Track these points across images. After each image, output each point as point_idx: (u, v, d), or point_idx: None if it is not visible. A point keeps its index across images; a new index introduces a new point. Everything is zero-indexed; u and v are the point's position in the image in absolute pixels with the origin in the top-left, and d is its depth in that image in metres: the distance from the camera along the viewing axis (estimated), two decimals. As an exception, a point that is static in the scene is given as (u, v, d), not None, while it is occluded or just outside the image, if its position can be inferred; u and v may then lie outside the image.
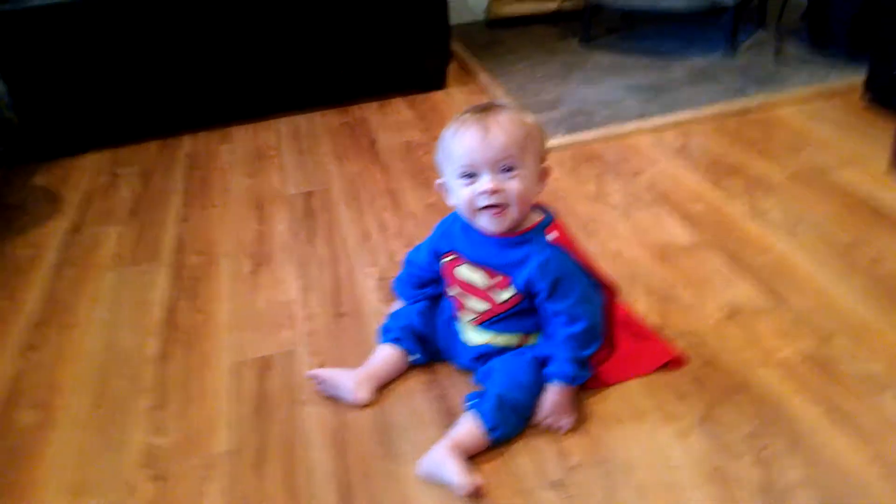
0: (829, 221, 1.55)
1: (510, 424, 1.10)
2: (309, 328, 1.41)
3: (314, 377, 1.24)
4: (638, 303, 1.37)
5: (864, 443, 1.05)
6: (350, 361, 1.31)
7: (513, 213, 1.06)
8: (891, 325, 1.26)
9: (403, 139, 2.13)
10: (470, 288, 1.16)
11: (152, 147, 2.25)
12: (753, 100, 2.10)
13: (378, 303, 1.46)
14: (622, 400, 1.17)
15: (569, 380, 1.10)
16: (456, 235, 1.17)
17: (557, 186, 1.79)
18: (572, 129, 2.05)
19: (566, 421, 1.12)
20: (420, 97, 2.40)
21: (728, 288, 1.39)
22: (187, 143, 2.25)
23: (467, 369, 1.24)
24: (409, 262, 1.31)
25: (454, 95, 2.40)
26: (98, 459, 1.18)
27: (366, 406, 1.21)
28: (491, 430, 1.08)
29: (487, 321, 1.17)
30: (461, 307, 1.19)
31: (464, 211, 1.09)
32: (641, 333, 1.27)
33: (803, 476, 1.01)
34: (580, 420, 1.14)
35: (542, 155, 1.10)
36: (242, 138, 2.25)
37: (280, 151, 2.14)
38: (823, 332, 1.26)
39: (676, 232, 1.58)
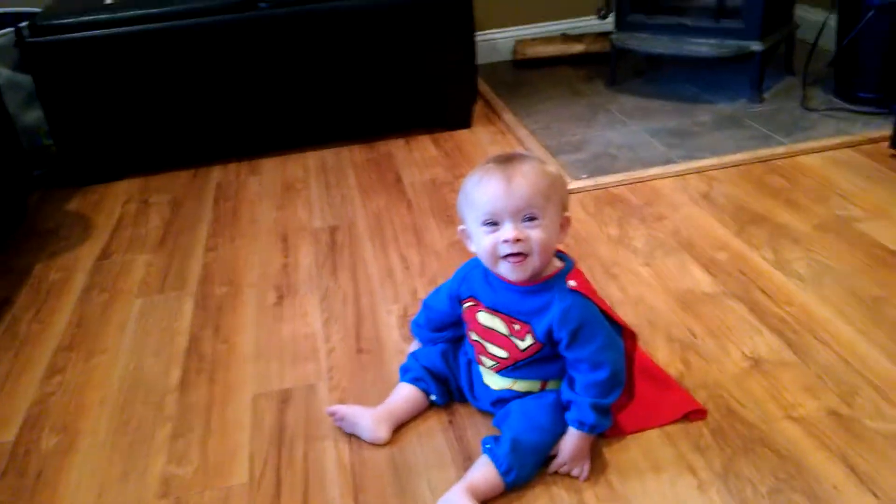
0: (855, 273, 1.55)
1: (526, 467, 1.10)
2: (330, 363, 1.43)
3: (334, 413, 1.24)
4: (659, 350, 1.37)
5: (886, 504, 1.04)
6: (370, 397, 1.32)
7: (534, 262, 1.08)
8: (916, 383, 1.25)
9: (429, 176, 2.16)
10: (490, 335, 1.17)
11: (183, 176, 2.30)
12: (779, 147, 2.11)
13: (399, 340, 1.47)
14: (641, 450, 1.16)
15: (589, 427, 1.10)
16: (476, 281, 1.18)
17: (580, 229, 1.80)
18: (596, 172, 2.06)
19: (584, 468, 1.12)
20: (445, 135, 2.43)
21: (751, 338, 1.38)
22: (217, 173, 2.30)
23: (487, 412, 1.24)
24: (426, 306, 1.32)
25: (479, 134, 2.43)
26: (118, 486, 1.19)
27: (384, 444, 1.21)
28: (505, 473, 1.08)
29: (508, 367, 1.18)
30: (482, 352, 1.20)
31: (485, 259, 1.10)
32: (663, 382, 1.27)
33: (824, 535, 1.01)
34: (599, 469, 1.13)
35: (565, 204, 1.11)
36: (271, 170, 2.29)
37: (307, 185, 2.18)
38: (847, 387, 1.25)
39: (699, 279, 1.58)
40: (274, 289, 1.68)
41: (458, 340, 1.30)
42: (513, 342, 1.15)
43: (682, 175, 2.02)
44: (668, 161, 2.09)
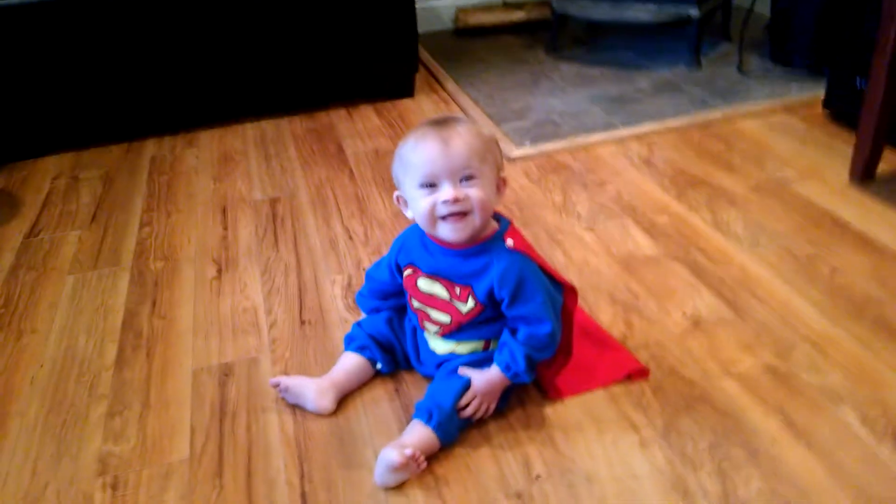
0: (790, 233, 1.58)
1: (452, 422, 1.11)
2: (273, 335, 1.40)
3: (277, 384, 1.22)
4: (602, 313, 1.38)
5: (820, 455, 1.07)
6: (314, 369, 1.30)
7: (474, 221, 1.07)
8: (849, 337, 1.28)
9: (371, 146, 2.13)
10: (431, 300, 1.16)
11: (116, 150, 2.22)
12: (716, 112, 2.13)
13: (344, 310, 1.45)
14: (585, 410, 1.17)
15: (513, 373, 1.11)
16: (413, 249, 1.17)
17: (524, 196, 1.80)
18: (539, 139, 2.06)
19: (490, 407, 1.14)
20: (388, 104, 2.39)
21: (691, 299, 1.41)
22: (152, 147, 2.22)
23: (433, 378, 1.23)
24: (369, 277, 1.30)
25: (422, 103, 2.40)
26: (53, 468, 1.15)
27: (329, 415, 1.20)
28: (428, 419, 1.09)
29: (451, 331, 1.17)
30: (425, 318, 1.19)
31: (423, 222, 1.09)
32: (605, 343, 1.28)
33: (762, 488, 1.03)
34: (543, 429, 1.14)
35: (500, 165, 1.11)
36: (208, 143, 2.23)
37: (246, 156, 2.12)
38: (784, 343, 1.28)
39: (641, 242, 1.59)
40: (213, 262, 1.64)
41: (404, 309, 1.29)
42: (454, 306, 1.14)
43: (623, 141, 2.04)
44: (609, 127, 2.10)
